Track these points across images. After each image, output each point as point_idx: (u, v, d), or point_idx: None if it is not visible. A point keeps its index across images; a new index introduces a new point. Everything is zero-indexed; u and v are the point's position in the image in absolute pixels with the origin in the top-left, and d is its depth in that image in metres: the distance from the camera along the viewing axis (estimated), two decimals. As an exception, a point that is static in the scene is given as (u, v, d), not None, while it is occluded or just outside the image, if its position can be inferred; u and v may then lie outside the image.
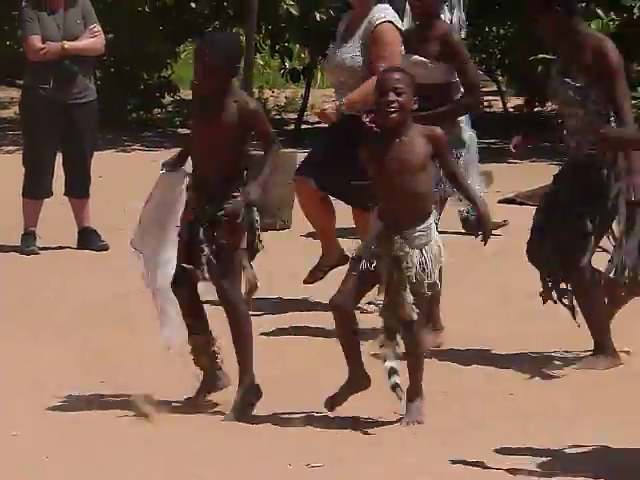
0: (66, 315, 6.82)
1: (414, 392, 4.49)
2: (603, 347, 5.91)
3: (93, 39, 8.68)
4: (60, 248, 8.81)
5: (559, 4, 5.95)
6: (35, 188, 8.63)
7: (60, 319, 6.82)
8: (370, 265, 4.42)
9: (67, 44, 8.31)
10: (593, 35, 6.34)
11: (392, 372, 4.46)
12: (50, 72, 8.31)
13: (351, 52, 7.02)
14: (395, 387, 4.46)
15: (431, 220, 4.85)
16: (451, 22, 9.31)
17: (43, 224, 8.98)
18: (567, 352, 6.14)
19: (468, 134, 6.78)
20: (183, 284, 4.66)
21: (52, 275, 7.92)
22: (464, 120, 6.98)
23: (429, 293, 4.60)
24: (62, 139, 8.54)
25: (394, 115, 4.30)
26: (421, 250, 4.54)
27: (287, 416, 4.53)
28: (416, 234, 4.61)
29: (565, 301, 5.91)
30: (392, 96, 4.27)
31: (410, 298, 4.40)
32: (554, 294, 5.93)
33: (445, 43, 6.44)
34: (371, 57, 6.82)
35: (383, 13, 6.99)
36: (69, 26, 8.43)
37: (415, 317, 4.42)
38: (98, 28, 8.73)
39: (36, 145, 8.74)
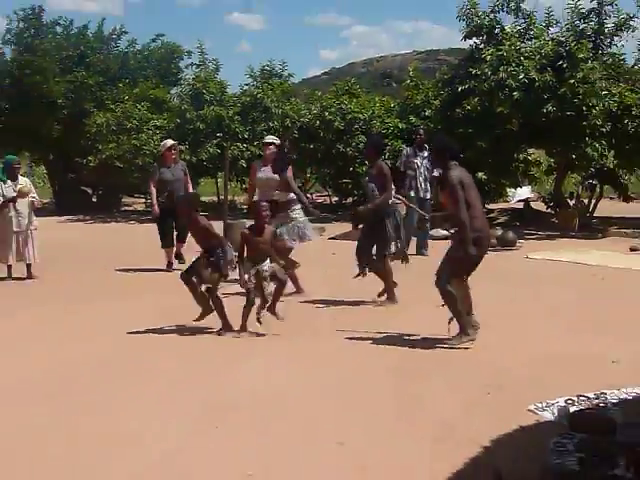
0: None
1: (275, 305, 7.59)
2: (390, 295, 8.96)
3: (189, 184, 12.13)
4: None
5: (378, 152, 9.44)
6: (165, 242, 11.81)
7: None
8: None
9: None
10: (381, 163, 9.36)
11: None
12: (164, 195, 11.18)
13: (268, 174, 9.75)
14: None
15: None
16: (420, 163, 13.52)
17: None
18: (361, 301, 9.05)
19: (303, 218, 9.69)
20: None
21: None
22: (299, 209, 9.74)
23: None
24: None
25: (266, 220, 7.78)
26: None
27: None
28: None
29: (367, 271, 9.08)
30: (265, 215, 7.73)
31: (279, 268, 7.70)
32: (365, 270, 9.08)
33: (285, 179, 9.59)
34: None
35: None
36: (176, 174, 11.44)
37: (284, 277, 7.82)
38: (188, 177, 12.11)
39: (163, 225, 11.78)
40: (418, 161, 13.24)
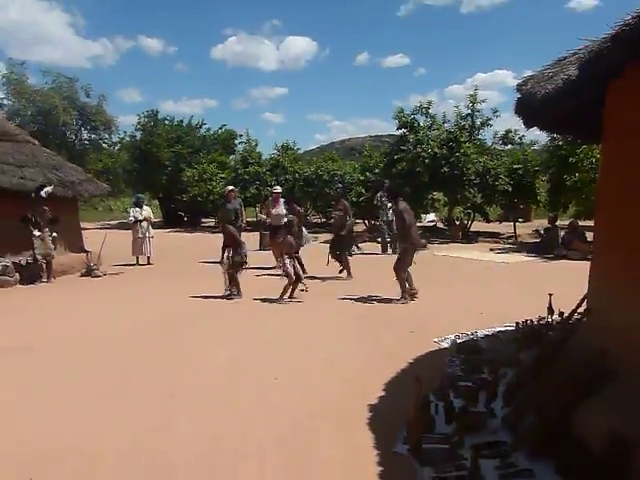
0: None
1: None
2: (349, 274, 8.77)
3: (244, 212, 10.23)
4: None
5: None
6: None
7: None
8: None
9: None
10: (343, 201, 9.15)
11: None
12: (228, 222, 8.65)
13: (279, 211, 9.93)
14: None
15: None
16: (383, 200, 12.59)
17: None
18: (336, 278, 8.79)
19: (307, 234, 9.79)
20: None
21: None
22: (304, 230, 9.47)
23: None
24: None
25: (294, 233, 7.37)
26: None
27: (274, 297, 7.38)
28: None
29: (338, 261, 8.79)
30: (294, 232, 7.37)
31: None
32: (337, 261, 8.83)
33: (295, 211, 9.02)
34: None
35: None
36: (235, 208, 9.70)
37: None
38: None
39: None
40: (386, 199, 13.16)
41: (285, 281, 7.26)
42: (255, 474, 2.87)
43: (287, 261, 7.22)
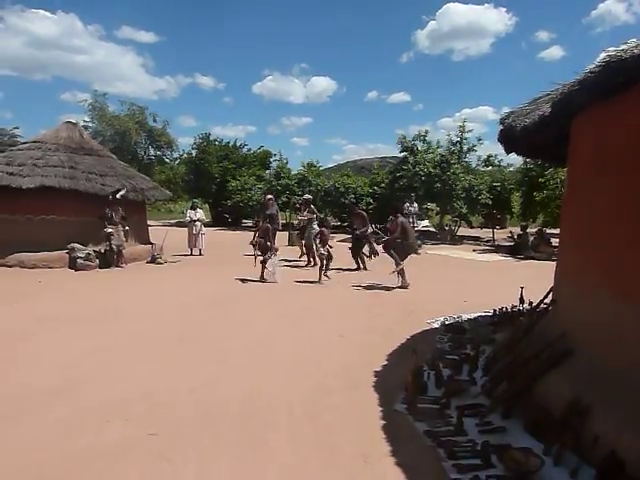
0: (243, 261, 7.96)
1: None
2: (365, 267, 8.47)
3: (279, 215, 10.19)
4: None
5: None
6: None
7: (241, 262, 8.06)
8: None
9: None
10: (361, 212, 8.76)
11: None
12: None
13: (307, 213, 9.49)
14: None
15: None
16: (412, 210, 12.13)
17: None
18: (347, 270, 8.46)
19: (316, 228, 8.64)
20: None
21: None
22: (316, 225, 8.87)
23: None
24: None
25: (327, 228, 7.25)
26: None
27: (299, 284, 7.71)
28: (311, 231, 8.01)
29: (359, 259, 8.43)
30: (328, 226, 7.34)
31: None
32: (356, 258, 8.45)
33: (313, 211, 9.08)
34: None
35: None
36: (271, 212, 9.22)
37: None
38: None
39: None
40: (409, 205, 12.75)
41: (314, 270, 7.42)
42: (285, 419, 2.91)
43: (322, 249, 7.15)
